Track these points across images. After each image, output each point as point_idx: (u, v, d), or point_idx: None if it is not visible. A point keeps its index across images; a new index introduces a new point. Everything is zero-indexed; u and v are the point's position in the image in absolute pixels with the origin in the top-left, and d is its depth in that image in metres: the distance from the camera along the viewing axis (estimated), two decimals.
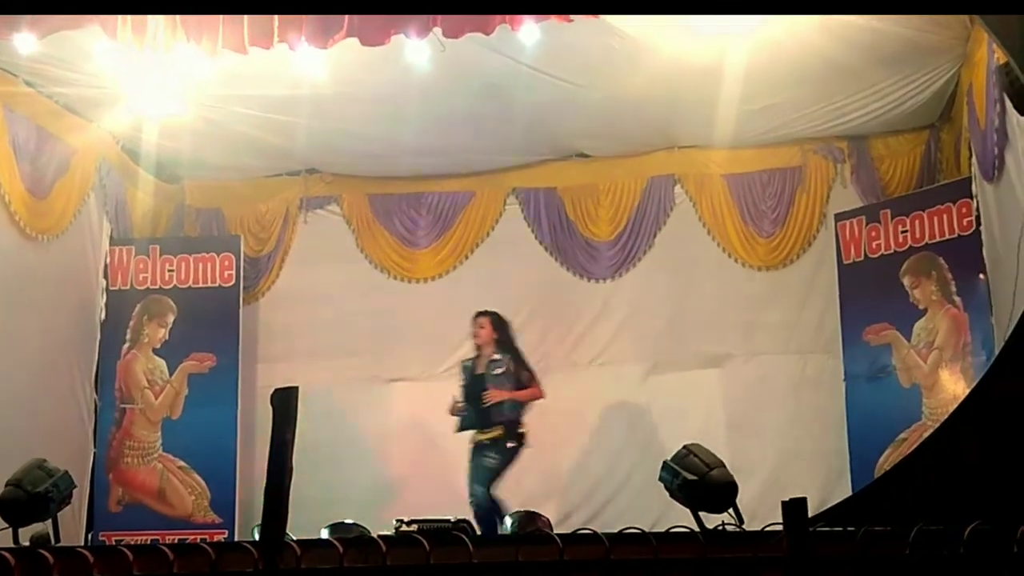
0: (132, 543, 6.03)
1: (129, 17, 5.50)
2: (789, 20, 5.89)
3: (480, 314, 7.17)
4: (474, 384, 7.02)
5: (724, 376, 8.02)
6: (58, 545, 4.47)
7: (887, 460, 7.00)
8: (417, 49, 6.02)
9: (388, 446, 8.13)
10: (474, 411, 6.94)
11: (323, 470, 7.37)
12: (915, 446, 6.69)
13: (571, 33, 5.91)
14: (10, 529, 4.47)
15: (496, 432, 6.89)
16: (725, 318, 8.02)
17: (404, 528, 5.25)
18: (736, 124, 7.30)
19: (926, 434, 6.77)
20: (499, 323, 7.13)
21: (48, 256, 7.09)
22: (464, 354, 7.39)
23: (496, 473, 6.85)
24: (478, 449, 6.92)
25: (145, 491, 7.70)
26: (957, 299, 6.98)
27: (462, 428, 6.97)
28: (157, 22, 5.49)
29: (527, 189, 8.44)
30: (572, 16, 5.48)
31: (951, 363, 6.96)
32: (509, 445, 6.88)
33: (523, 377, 7.05)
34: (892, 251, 7.34)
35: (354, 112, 7.23)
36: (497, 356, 7.03)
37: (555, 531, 5.04)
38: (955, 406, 6.14)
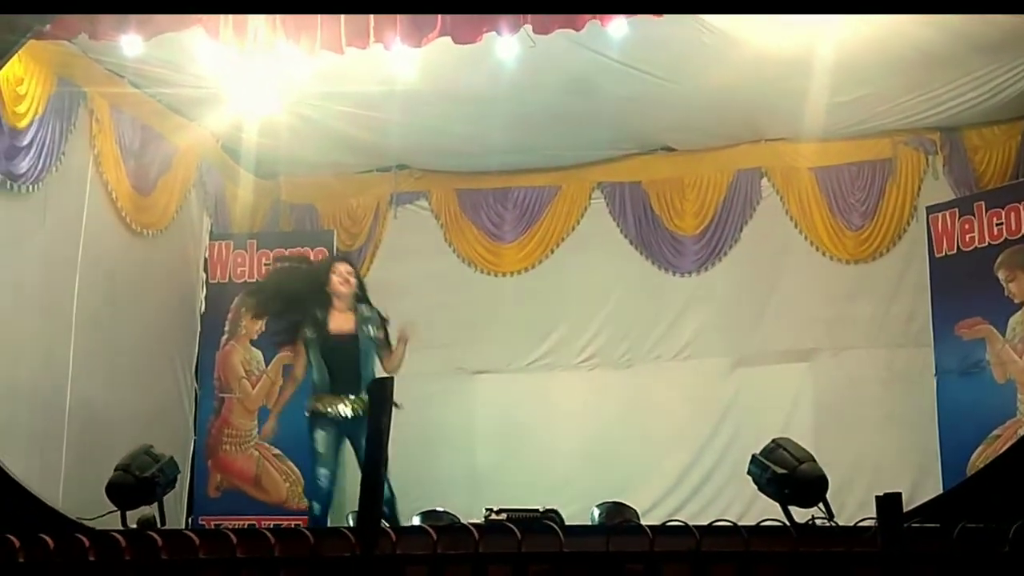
0: (231, 527, 6.23)
1: (231, 18, 5.67)
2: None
3: (338, 261, 6.43)
4: (337, 345, 6.15)
5: (812, 370, 7.95)
6: (164, 527, 4.66)
7: (980, 457, 6.88)
8: (507, 46, 6.08)
9: (474, 437, 8.25)
10: (341, 375, 6.09)
11: (412, 460, 7.52)
12: (1010, 443, 6.57)
13: (659, 28, 5.91)
14: (118, 512, 4.69)
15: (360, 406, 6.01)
16: (812, 312, 7.96)
17: (494, 517, 5.33)
18: (824, 116, 7.22)
19: (1021, 430, 6.65)
20: (356, 272, 6.42)
21: (152, 250, 7.38)
22: (550, 347, 7.41)
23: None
24: (340, 425, 6.09)
25: (242, 478, 7.93)
26: None
27: (318, 390, 6.14)
28: (258, 23, 5.66)
29: (612, 183, 8.47)
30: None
31: None
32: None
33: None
34: (986, 244, 7.19)
35: (444, 109, 7.33)
36: (365, 311, 6.26)
37: (641, 522, 5.07)
38: None
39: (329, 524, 5.33)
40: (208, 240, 8.16)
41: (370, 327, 6.20)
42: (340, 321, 6.19)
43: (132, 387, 7.12)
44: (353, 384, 6.05)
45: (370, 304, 6.30)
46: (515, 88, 6.90)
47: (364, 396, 5.94)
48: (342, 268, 6.26)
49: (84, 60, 6.55)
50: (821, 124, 7.37)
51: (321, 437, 6.06)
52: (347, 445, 6.18)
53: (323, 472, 6.00)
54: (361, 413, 5.94)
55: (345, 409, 6.04)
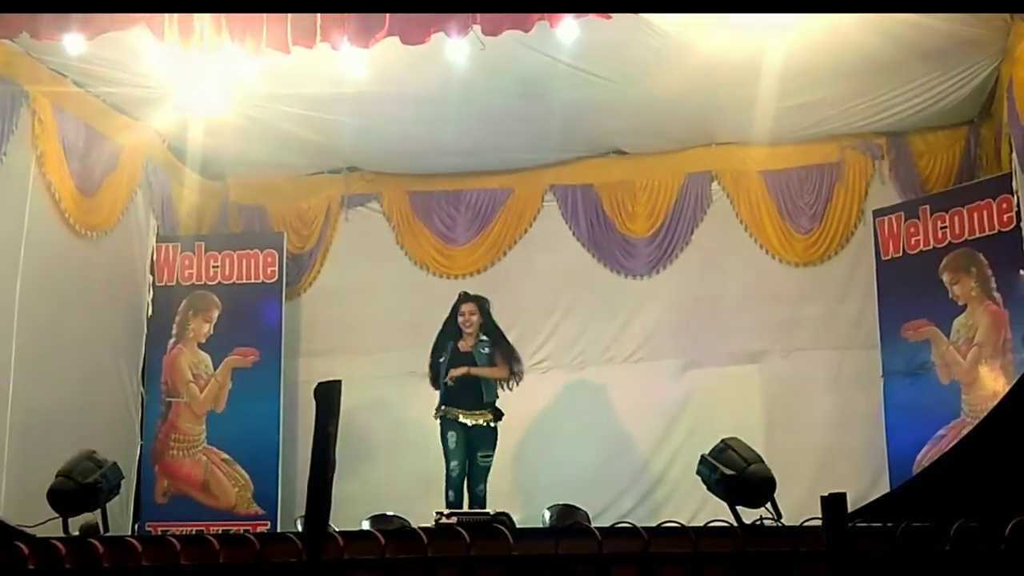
0: (178, 534, 6.14)
1: (176, 18, 5.61)
2: (827, 16, 5.89)
3: (467, 299, 7.12)
4: (461, 363, 6.98)
5: (761, 372, 8.02)
6: (107, 534, 4.57)
7: (926, 456, 6.97)
8: (457, 47, 6.07)
9: (427, 440, 8.19)
10: (459, 395, 6.92)
11: (363, 464, 7.47)
12: (955, 442, 6.67)
13: (609, 31, 5.93)
14: (60, 519, 4.59)
15: (488, 417, 6.93)
16: (762, 314, 8.02)
17: (444, 520, 5.30)
18: (774, 120, 7.30)
19: (965, 431, 6.75)
20: (485, 308, 7.11)
21: (97, 253, 7.26)
22: None
23: (489, 471, 6.91)
24: (469, 431, 6.88)
25: (190, 483, 7.84)
26: (997, 295, 6.95)
27: (445, 403, 6.94)
28: (203, 23, 5.60)
29: (564, 186, 8.48)
30: (611, 14, 5.51)
31: (991, 359, 6.92)
32: (496, 438, 6.95)
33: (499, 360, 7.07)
34: (931, 247, 7.31)
35: (395, 110, 7.30)
36: (484, 338, 7.06)
37: (592, 524, 5.07)
38: (995, 403, 6.12)
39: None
40: (155, 242, 8.04)
41: (483, 349, 7.02)
42: (464, 347, 7.04)
43: (76, 391, 6.99)
44: (471, 399, 6.94)
45: (493, 335, 7.10)
46: (466, 90, 6.89)
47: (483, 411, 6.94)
48: (465, 308, 7.08)
49: (26, 59, 6.44)
50: (770, 128, 7.45)
51: (451, 437, 6.87)
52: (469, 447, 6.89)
53: (454, 464, 6.82)
54: (481, 423, 6.91)
55: (465, 419, 6.89)
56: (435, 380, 7.05)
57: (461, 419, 6.88)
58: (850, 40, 6.23)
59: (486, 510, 5.55)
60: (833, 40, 6.22)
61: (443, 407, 6.95)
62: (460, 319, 7.03)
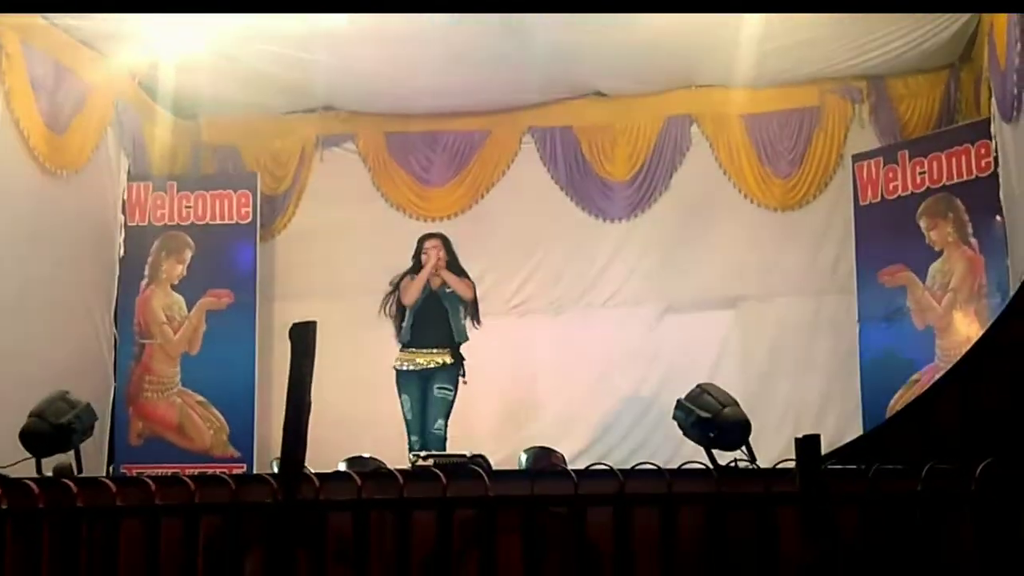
0: (153, 476, 6.13)
1: None
2: None
3: (429, 236, 6.98)
4: (426, 302, 6.79)
5: (738, 317, 8.04)
6: (81, 475, 4.55)
7: (899, 400, 7.03)
8: None
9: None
10: (426, 330, 6.75)
11: (339, 406, 7.45)
12: (927, 387, 6.73)
13: None
14: (33, 460, 4.56)
15: (446, 357, 6.71)
16: (740, 259, 8.02)
17: (420, 463, 5.32)
18: (754, 63, 7.22)
19: (939, 375, 6.80)
20: (448, 245, 6.91)
21: (67, 192, 7.11)
22: (480, 293, 7.34)
23: (451, 407, 6.68)
24: (424, 375, 6.69)
25: (165, 425, 7.81)
26: (973, 241, 6.96)
27: (407, 344, 6.77)
28: None
29: (543, 128, 8.40)
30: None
31: (965, 305, 6.95)
32: (460, 378, 6.71)
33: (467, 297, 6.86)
34: (909, 192, 7.29)
35: (371, 49, 7.17)
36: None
37: (568, 467, 5.10)
38: (967, 347, 6.17)
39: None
40: (126, 181, 7.91)
41: (448, 289, 6.78)
42: (433, 285, 6.81)
43: (48, 332, 6.90)
44: (438, 336, 6.73)
45: (457, 273, 6.83)
46: (444, 29, 6.77)
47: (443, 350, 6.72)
48: (427, 244, 6.85)
49: None
50: (751, 71, 7.38)
51: (403, 385, 6.74)
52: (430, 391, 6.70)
53: (407, 402, 6.72)
54: (438, 362, 6.69)
55: (422, 360, 6.71)
56: (403, 331, 6.81)
57: (414, 364, 6.70)
58: None
59: (463, 453, 5.55)
60: None
61: (402, 351, 6.78)
62: (423, 257, 6.83)
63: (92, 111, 7.30)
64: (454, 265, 6.84)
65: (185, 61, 7.15)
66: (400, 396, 6.76)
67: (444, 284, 6.80)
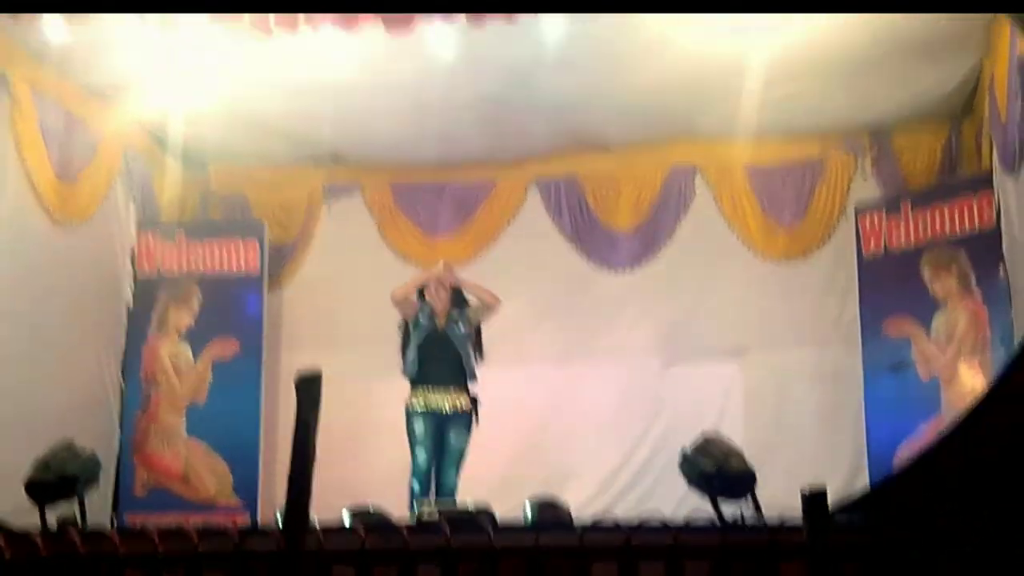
0: (157, 525, 6.11)
1: None
2: (811, 13, 5.89)
3: None
4: (433, 338, 6.49)
5: (743, 367, 8.02)
6: (85, 526, 4.55)
7: (905, 452, 6.99)
8: (441, 37, 6.06)
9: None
10: (437, 367, 6.43)
11: (344, 456, 7.43)
12: (934, 439, 6.70)
13: (594, 23, 5.93)
14: (38, 509, 4.56)
15: (463, 399, 6.42)
16: (744, 310, 8.03)
17: (427, 517, 5.27)
18: (757, 115, 7.27)
19: (945, 427, 6.78)
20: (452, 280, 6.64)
21: (76, 241, 7.17)
22: (484, 343, 7.33)
23: (464, 456, 6.42)
24: (439, 419, 6.38)
25: (169, 475, 7.79)
26: (977, 292, 6.96)
27: (418, 381, 6.44)
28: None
29: (548, 179, 8.47)
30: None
31: (970, 356, 6.94)
32: (472, 423, 6.44)
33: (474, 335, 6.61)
34: (912, 244, 7.33)
35: (378, 100, 7.26)
36: (456, 312, 6.58)
37: (573, 519, 5.08)
38: (973, 399, 6.15)
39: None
40: (135, 231, 7.98)
41: (460, 325, 6.53)
42: (438, 324, 6.54)
43: (55, 381, 6.91)
44: (448, 373, 6.45)
45: (463, 307, 6.59)
46: (450, 80, 6.86)
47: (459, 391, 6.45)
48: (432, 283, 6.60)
49: (5, 41, 6.35)
50: (753, 123, 7.43)
51: (418, 424, 6.39)
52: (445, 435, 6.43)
53: (420, 452, 6.37)
54: (456, 407, 6.40)
55: (438, 402, 6.41)
56: (408, 364, 6.50)
57: (429, 406, 6.37)
58: (832, 35, 6.24)
59: (467, 505, 5.51)
60: (815, 35, 6.23)
61: (413, 390, 6.43)
62: (427, 295, 6.56)
63: (102, 161, 7.39)
64: (459, 295, 6.63)
65: (194, 111, 7.23)
66: (411, 437, 6.41)
67: (453, 320, 6.53)
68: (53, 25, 5.75)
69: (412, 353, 6.49)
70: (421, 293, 6.61)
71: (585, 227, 8.39)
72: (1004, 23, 5.83)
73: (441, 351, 6.49)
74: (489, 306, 6.64)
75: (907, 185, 7.76)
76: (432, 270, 6.68)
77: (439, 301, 6.52)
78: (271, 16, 5.50)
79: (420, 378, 6.46)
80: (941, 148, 7.72)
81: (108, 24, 5.89)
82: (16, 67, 6.47)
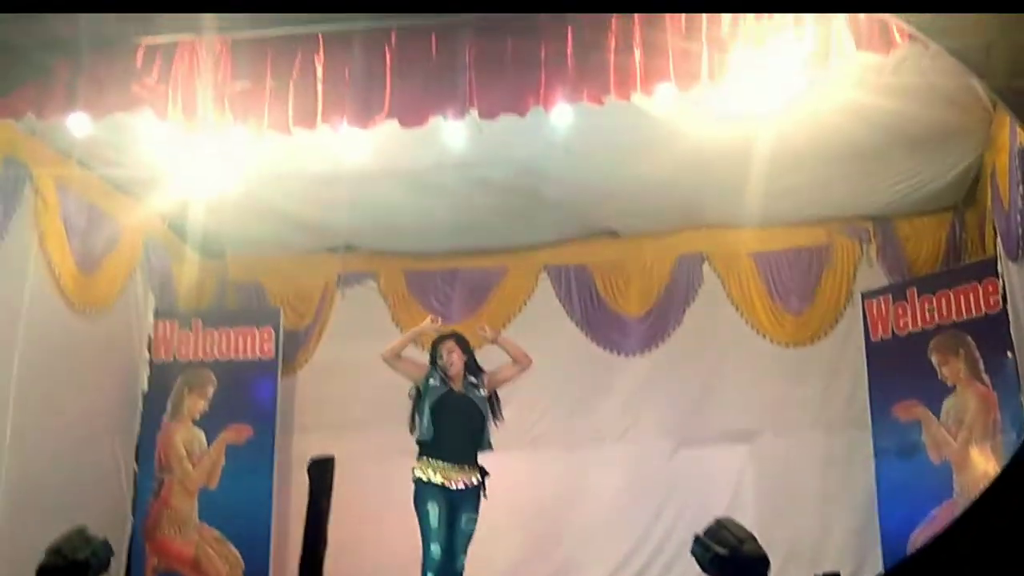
0: None
1: (179, 98, 5.76)
2: (812, 104, 6.05)
3: (444, 339, 6.43)
4: (449, 403, 6.22)
5: (753, 452, 8.02)
6: None
7: (919, 537, 6.96)
8: (454, 130, 6.24)
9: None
10: (451, 437, 6.13)
11: (357, 541, 7.42)
12: (947, 524, 6.66)
13: (602, 116, 6.07)
14: None
15: (474, 476, 6.16)
16: (754, 394, 8.06)
17: None
18: (762, 204, 7.43)
19: (958, 512, 6.75)
20: (464, 345, 6.42)
21: (94, 329, 7.32)
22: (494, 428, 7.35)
23: (471, 539, 6.12)
24: (450, 495, 6.05)
25: (181, 561, 7.78)
26: (985, 377, 6.99)
27: (430, 450, 6.13)
28: (206, 104, 5.74)
29: (558, 266, 8.60)
30: (603, 99, 5.66)
31: (981, 441, 6.94)
32: (481, 498, 6.15)
33: (494, 402, 6.39)
34: (920, 329, 7.39)
35: (392, 190, 7.44)
36: (472, 379, 6.35)
37: None
38: (986, 484, 6.14)
39: None
40: (153, 319, 8.12)
41: (479, 389, 6.33)
42: (456, 389, 6.29)
43: (69, 468, 6.99)
44: (462, 446, 6.15)
45: (480, 375, 6.38)
46: (462, 171, 7.04)
47: (471, 468, 6.14)
48: (443, 347, 6.35)
49: (31, 140, 6.59)
50: (759, 211, 7.58)
51: (432, 512, 6.01)
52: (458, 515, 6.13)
53: (434, 547, 5.99)
54: (467, 485, 6.09)
55: (449, 479, 6.08)
56: (423, 428, 6.16)
57: (444, 481, 6.04)
58: (834, 127, 6.40)
59: None
60: (818, 127, 6.38)
61: (425, 458, 6.09)
62: (440, 361, 6.28)
63: (123, 251, 7.58)
64: (472, 365, 6.40)
65: (213, 202, 7.40)
66: (423, 524, 6.04)
67: (471, 384, 6.29)
68: (78, 121, 5.94)
69: (426, 416, 6.16)
70: (434, 359, 6.37)
71: (595, 313, 8.49)
72: (1004, 116, 5.98)
73: (458, 414, 6.20)
74: (518, 363, 6.47)
75: (913, 271, 7.86)
76: (421, 326, 6.62)
77: (453, 366, 6.28)
78: (291, 116, 5.67)
79: (434, 445, 6.11)
80: (945, 235, 7.83)
81: (131, 120, 6.09)
82: (41, 163, 6.69)
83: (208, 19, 5.46)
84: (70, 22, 5.42)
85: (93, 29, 5.46)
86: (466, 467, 6.14)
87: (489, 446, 6.29)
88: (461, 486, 6.10)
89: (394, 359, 6.42)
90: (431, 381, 6.27)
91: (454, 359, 6.29)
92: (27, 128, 6.45)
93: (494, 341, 6.56)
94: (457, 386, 6.29)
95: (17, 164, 6.50)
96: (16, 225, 6.50)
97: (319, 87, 5.65)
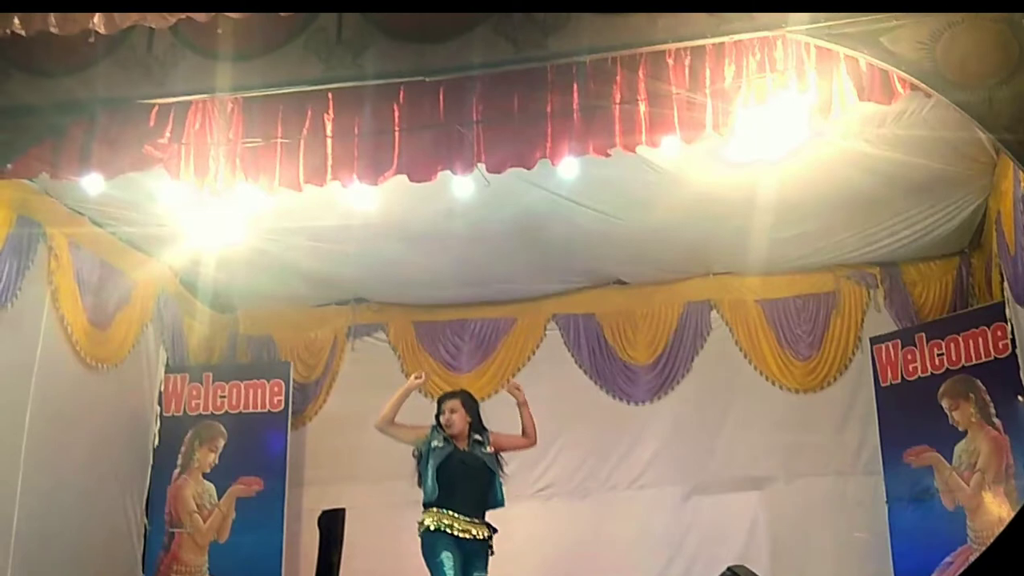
0: None
1: (192, 158, 5.82)
2: (815, 153, 6.11)
3: (449, 397, 6.30)
4: (455, 462, 6.02)
5: (765, 498, 8.01)
6: None
7: None
8: (461, 184, 6.30)
9: None
10: (461, 493, 5.94)
11: None
12: (962, 570, 6.63)
13: (608, 167, 6.11)
14: None
15: (484, 531, 5.97)
16: (764, 440, 8.06)
17: None
18: (768, 251, 7.49)
19: (972, 557, 6.72)
20: (469, 405, 6.23)
21: (106, 384, 7.37)
22: (506, 477, 7.32)
23: None
24: (462, 545, 5.85)
25: None
26: (997, 421, 6.99)
27: (439, 505, 5.90)
28: (218, 162, 5.81)
29: (567, 315, 8.65)
30: (609, 151, 5.72)
31: (994, 485, 6.93)
32: (488, 556, 5.98)
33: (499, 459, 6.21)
34: (929, 374, 7.40)
35: (400, 243, 7.50)
36: (478, 437, 6.17)
37: None
38: (1000, 529, 6.12)
39: None
40: (163, 373, 8.16)
41: (484, 446, 6.13)
42: (462, 447, 6.10)
43: (80, 522, 7.01)
44: (474, 502, 5.97)
45: (482, 432, 6.19)
46: (470, 223, 7.09)
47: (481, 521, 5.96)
48: (445, 406, 6.19)
49: (45, 199, 6.68)
50: (765, 259, 7.64)
51: (447, 560, 5.78)
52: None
53: None
54: (478, 537, 5.88)
55: (462, 530, 5.87)
56: (428, 491, 5.94)
57: (456, 531, 5.84)
58: (838, 175, 6.45)
59: None
60: (821, 175, 6.43)
61: (435, 509, 5.87)
62: (442, 418, 6.12)
63: (135, 307, 7.65)
64: (477, 425, 6.21)
65: (224, 257, 7.48)
66: (437, 559, 5.79)
67: (476, 442, 6.12)
68: (92, 182, 6.01)
69: (430, 477, 5.96)
70: (438, 420, 6.18)
71: (604, 361, 8.52)
72: (1007, 162, 6.03)
73: (464, 474, 6.01)
74: (527, 437, 6.35)
75: (920, 316, 7.89)
76: (406, 385, 6.38)
77: (452, 425, 6.09)
78: (301, 172, 5.72)
79: (441, 503, 5.91)
80: (952, 280, 7.88)
81: (144, 179, 6.17)
82: (54, 221, 6.78)
83: (221, 76, 5.54)
84: (85, 83, 5.51)
85: (107, 89, 5.55)
86: (476, 521, 5.96)
87: (501, 503, 6.13)
88: (472, 537, 5.90)
89: (387, 426, 6.25)
90: (433, 443, 6.08)
91: (455, 419, 6.10)
92: (41, 187, 6.53)
93: (522, 403, 6.36)
94: (462, 444, 6.10)
95: (31, 222, 6.58)
96: (29, 282, 6.57)
97: (329, 144, 5.70)
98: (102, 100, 5.50)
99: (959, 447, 7.17)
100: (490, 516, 6.64)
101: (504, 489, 6.15)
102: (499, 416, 7.76)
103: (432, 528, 5.85)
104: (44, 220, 6.70)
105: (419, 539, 5.94)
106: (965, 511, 7.08)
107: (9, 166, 5.64)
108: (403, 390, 6.31)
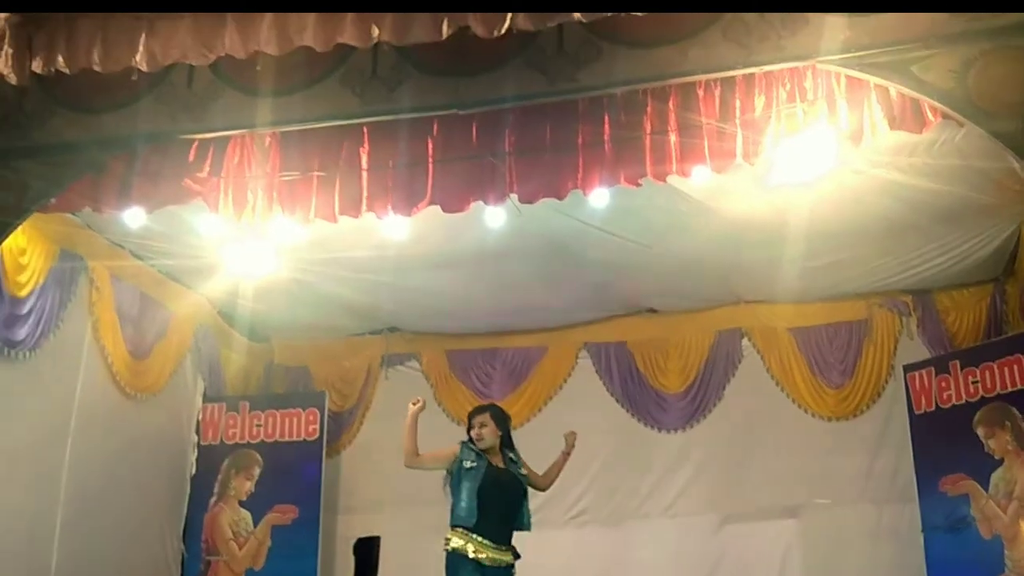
0: None
1: (231, 192, 5.93)
2: (846, 180, 6.12)
3: (479, 411, 6.06)
4: (490, 480, 5.78)
5: (799, 526, 7.99)
6: None
7: None
8: (494, 214, 6.36)
9: None
10: (496, 519, 5.69)
11: None
12: None
13: (638, 197, 6.15)
14: None
15: (510, 557, 5.74)
16: (797, 468, 8.04)
17: None
18: (800, 279, 7.49)
19: None
20: (498, 419, 6.01)
21: (145, 414, 7.50)
22: (538, 504, 7.29)
23: None
24: (489, 573, 5.61)
25: None
26: None
27: (471, 529, 5.63)
28: (256, 196, 5.91)
29: (598, 344, 8.69)
30: (640, 181, 5.76)
31: None
32: None
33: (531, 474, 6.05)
34: (964, 401, 7.36)
35: (434, 273, 7.57)
36: (511, 454, 6.00)
37: None
38: None
39: None
40: (201, 403, 8.28)
41: (519, 465, 5.98)
42: (496, 463, 5.90)
43: (118, 550, 7.13)
44: (504, 530, 5.75)
45: (514, 449, 6.03)
46: (502, 253, 7.15)
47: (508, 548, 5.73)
48: (475, 420, 5.99)
49: (86, 232, 6.82)
50: (797, 287, 7.65)
51: None
52: None
53: None
54: (502, 564, 5.67)
55: (486, 556, 5.63)
56: (464, 511, 5.69)
57: (483, 558, 5.60)
58: (869, 203, 6.45)
59: None
60: (853, 203, 6.44)
61: (463, 530, 5.62)
62: (472, 433, 5.92)
63: (173, 338, 7.78)
64: (508, 441, 6.02)
65: (261, 288, 7.59)
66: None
67: (511, 460, 5.95)
68: (133, 215, 6.14)
69: (466, 497, 5.73)
70: (469, 436, 5.98)
71: (635, 389, 8.55)
72: None
73: (500, 494, 5.78)
74: (548, 480, 6.20)
75: (954, 344, 7.85)
76: (410, 412, 6.12)
77: (482, 440, 5.87)
78: (336, 205, 5.81)
79: (476, 528, 5.65)
80: (985, 308, 7.83)
81: (184, 213, 6.29)
82: (96, 254, 6.93)
83: (259, 112, 5.64)
84: (126, 119, 5.64)
85: (148, 125, 5.67)
86: (502, 547, 5.72)
87: (528, 526, 5.91)
88: (499, 565, 5.68)
89: (414, 461, 6.02)
90: (466, 462, 5.86)
91: (485, 434, 5.88)
92: (83, 220, 6.67)
93: (567, 453, 6.25)
94: (496, 460, 5.90)
95: (73, 256, 6.73)
96: (71, 313, 6.72)
97: (364, 176, 5.80)
98: (143, 135, 5.61)
99: (995, 475, 7.12)
100: (526, 543, 6.68)
101: (532, 514, 5.97)
102: (528, 447, 7.81)
103: (458, 552, 5.65)
104: (86, 253, 6.84)
105: (444, 554, 5.75)
106: (1002, 540, 7.03)
107: (52, 201, 5.76)
108: (409, 420, 6.13)
